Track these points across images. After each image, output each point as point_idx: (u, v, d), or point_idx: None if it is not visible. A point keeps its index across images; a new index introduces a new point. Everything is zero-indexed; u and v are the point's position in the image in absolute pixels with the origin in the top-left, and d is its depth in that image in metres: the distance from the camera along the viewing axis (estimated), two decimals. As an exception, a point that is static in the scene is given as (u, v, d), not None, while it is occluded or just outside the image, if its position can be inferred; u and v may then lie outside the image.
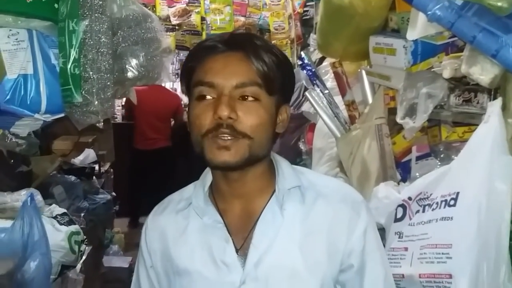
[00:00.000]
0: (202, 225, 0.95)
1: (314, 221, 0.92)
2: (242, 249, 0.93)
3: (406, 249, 1.17)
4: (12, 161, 2.45)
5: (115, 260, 3.40)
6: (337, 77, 1.62)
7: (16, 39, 1.17)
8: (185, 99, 6.45)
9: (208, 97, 0.87)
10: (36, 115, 1.17)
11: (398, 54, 1.37)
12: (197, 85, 0.89)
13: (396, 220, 1.24)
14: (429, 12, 1.14)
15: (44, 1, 1.12)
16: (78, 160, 3.20)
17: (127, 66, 1.22)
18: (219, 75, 0.87)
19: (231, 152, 0.86)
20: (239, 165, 0.88)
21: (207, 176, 0.98)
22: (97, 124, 1.16)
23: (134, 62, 1.22)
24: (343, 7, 1.41)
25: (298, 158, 2.07)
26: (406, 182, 1.37)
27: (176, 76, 6.04)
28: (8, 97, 1.14)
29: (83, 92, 1.09)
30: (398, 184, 1.39)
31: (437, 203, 1.14)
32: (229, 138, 0.85)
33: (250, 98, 0.87)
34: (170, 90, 5.09)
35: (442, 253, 1.03)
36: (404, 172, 1.54)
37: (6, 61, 1.14)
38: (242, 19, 3.56)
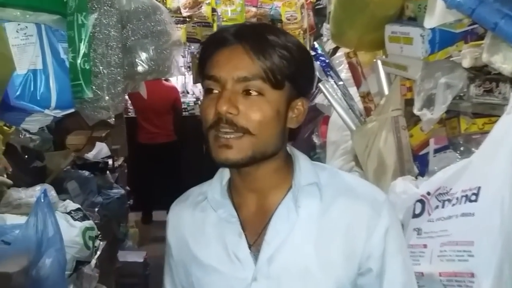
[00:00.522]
0: (217, 219, 0.95)
1: (331, 220, 0.89)
2: (255, 245, 0.91)
3: (425, 246, 1.13)
4: (26, 156, 2.48)
5: (130, 255, 3.41)
6: (352, 67, 1.58)
7: (25, 33, 1.15)
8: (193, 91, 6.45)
9: (215, 91, 0.86)
10: (46, 111, 1.15)
11: (415, 43, 1.32)
12: (205, 79, 0.88)
13: (415, 216, 1.20)
14: (448, -1, 1.10)
15: (54, -5, 1.10)
16: (91, 155, 3.21)
17: (137, 60, 1.20)
18: (223, 68, 0.85)
19: (233, 150, 0.84)
20: (243, 163, 0.86)
21: (225, 170, 0.97)
22: (109, 120, 1.14)
23: (144, 56, 1.20)
24: (357, -5, 1.36)
25: (312, 151, 2.03)
26: (425, 177, 1.32)
27: (188, 69, 6.04)
28: (18, 92, 1.13)
29: (94, 87, 1.07)
30: (416, 178, 1.35)
31: (457, 198, 1.10)
32: (230, 135, 0.83)
33: (253, 93, 0.84)
34: (166, 83, 4.99)
35: (464, 251, 0.99)
36: (422, 166, 1.50)
37: (15, 56, 1.12)
38: (254, 9, 3.50)
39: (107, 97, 1.06)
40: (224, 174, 0.97)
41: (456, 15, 1.20)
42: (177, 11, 3.64)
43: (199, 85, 5.78)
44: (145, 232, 4.69)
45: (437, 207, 1.16)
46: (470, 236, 1.00)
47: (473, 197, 1.05)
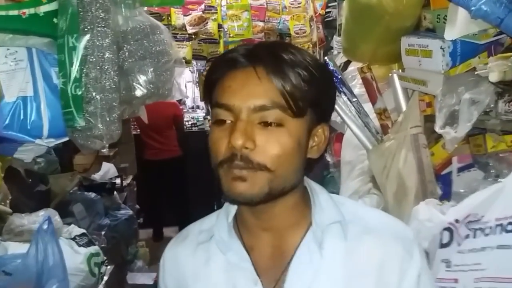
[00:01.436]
0: (226, 262, 0.82)
1: (360, 262, 0.77)
2: None
3: (456, 280, 1.02)
4: (30, 180, 2.41)
5: (139, 277, 3.32)
6: (366, 83, 1.48)
7: (15, 58, 1.08)
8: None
9: (227, 121, 0.75)
10: (38, 141, 1.07)
11: (434, 56, 1.23)
12: (214, 107, 0.76)
13: (442, 245, 1.09)
14: (473, 8, 1.00)
15: (42, 15, 1.03)
16: (98, 176, 3.14)
17: (134, 83, 1.11)
18: (236, 96, 0.73)
19: (247, 184, 0.73)
20: (259, 200, 0.74)
21: (231, 205, 0.85)
22: (103, 150, 1.05)
23: (142, 78, 1.11)
24: (371, 6, 1.27)
25: (325, 170, 1.93)
26: (451, 201, 1.21)
27: (197, 84, 5.99)
28: (6, 122, 1.05)
29: (86, 114, 0.98)
30: (441, 201, 1.24)
31: (490, 227, 0.99)
32: (244, 171, 0.72)
33: (271, 124, 0.73)
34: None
35: (504, 290, 0.88)
36: (445, 186, 1.39)
37: (3, 83, 1.05)
38: (261, 24, 3.42)
39: (100, 125, 0.97)
40: (230, 209, 0.86)
41: (481, 25, 1.10)
42: (182, 28, 3.57)
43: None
44: (156, 250, 4.60)
45: (467, 236, 1.05)
46: (510, 271, 0.89)
47: (510, 227, 0.94)
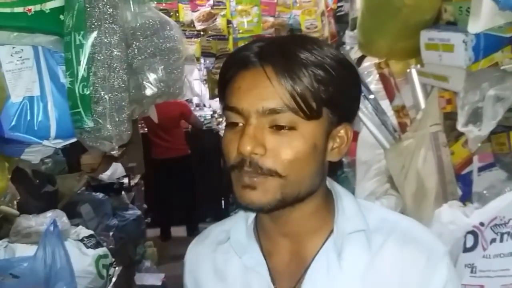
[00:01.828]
0: (242, 265, 0.80)
1: (381, 274, 0.73)
2: None
3: (482, 287, 0.97)
4: (37, 181, 2.39)
5: (147, 277, 3.29)
6: (383, 79, 1.43)
7: (20, 57, 1.04)
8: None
9: (239, 124, 0.71)
10: (45, 142, 1.03)
11: (456, 50, 1.17)
12: (225, 109, 0.73)
13: (466, 249, 1.05)
14: (502, -1, 0.95)
15: (48, 12, 0.99)
16: (106, 176, 3.11)
17: (144, 82, 1.07)
18: (245, 98, 0.70)
19: (257, 192, 0.69)
20: (271, 207, 0.71)
21: None
22: (113, 152, 1.02)
23: (152, 77, 1.07)
24: (388, -1, 1.22)
25: (339, 170, 1.88)
26: (474, 203, 1.16)
27: (204, 82, 5.94)
28: (13, 123, 1.01)
29: (94, 115, 0.94)
30: (463, 203, 1.19)
31: (520, 231, 0.94)
32: (254, 178, 0.69)
33: (283, 128, 0.69)
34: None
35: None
36: (465, 186, 1.34)
37: (9, 83, 1.01)
38: (271, 19, 3.36)
39: (109, 126, 0.93)
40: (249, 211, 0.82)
41: (508, 16, 1.05)
42: (191, 24, 3.52)
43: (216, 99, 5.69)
44: (164, 249, 4.58)
45: (493, 240, 1.00)
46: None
47: (541, 232, 0.90)
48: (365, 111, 1.45)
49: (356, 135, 1.72)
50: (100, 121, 0.93)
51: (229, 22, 3.59)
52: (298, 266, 0.76)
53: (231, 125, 0.72)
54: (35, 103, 1.02)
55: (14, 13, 0.94)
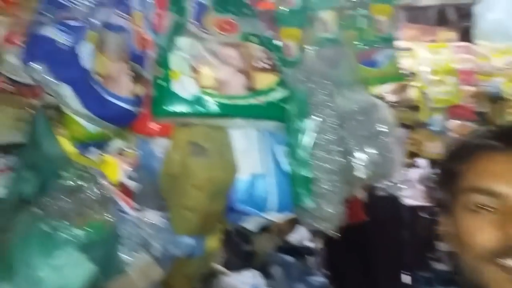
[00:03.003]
0: None
1: None
2: None
3: None
4: (237, 239, 2.60)
5: None
6: None
7: (247, 139, 1.20)
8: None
9: (488, 208, 0.70)
10: (265, 215, 1.15)
11: None
12: (468, 192, 0.73)
13: None
14: None
15: (276, 103, 1.13)
16: (294, 238, 3.21)
17: (356, 164, 1.12)
18: (503, 181, 0.69)
19: None
20: None
21: None
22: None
23: (364, 159, 1.12)
24: None
25: None
26: None
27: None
28: (240, 196, 1.16)
29: (313, 196, 1.02)
30: None
31: None
32: None
33: None
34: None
35: None
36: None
37: (239, 161, 1.17)
38: (470, 88, 3.17)
39: (328, 207, 0.99)
40: None
41: None
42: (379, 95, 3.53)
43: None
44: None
45: None
46: None
47: None
48: None
49: None
50: (319, 201, 1.00)
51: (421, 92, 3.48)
52: None
53: (475, 209, 0.71)
54: (259, 179, 1.16)
55: (250, 105, 1.11)
